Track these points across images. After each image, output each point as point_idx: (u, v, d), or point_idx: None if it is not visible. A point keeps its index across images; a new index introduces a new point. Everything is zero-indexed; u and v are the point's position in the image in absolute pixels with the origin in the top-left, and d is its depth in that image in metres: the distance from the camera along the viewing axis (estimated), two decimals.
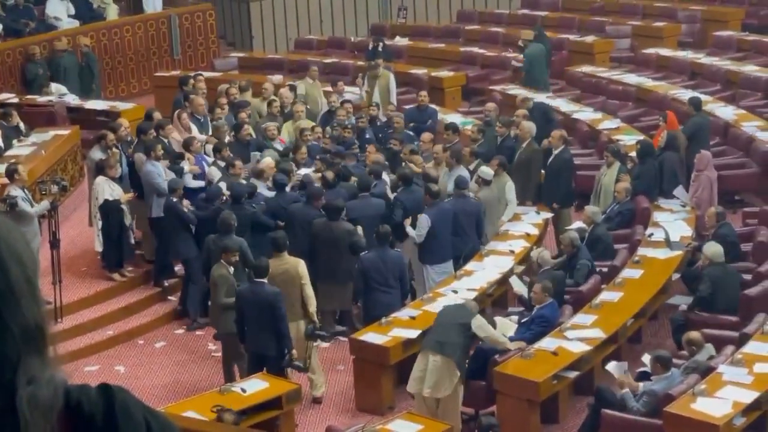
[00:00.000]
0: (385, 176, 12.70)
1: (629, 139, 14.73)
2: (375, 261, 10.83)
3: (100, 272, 12.75)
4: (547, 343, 9.79)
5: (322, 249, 11.41)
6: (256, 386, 9.37)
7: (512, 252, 12.00)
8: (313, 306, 10.38)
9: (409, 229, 11.72)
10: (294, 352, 9.88)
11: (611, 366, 9.41)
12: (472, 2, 23.68)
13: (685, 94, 16.13)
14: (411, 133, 14.42)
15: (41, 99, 17.25)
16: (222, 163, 12.77)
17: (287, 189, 12.27)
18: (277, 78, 18.08)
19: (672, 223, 12.33)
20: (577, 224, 12.31)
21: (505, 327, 10.15)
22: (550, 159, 13.25)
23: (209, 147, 13.55)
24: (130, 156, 13.10)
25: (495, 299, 11.73)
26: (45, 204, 11.67)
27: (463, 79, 18.61)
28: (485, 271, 11.57)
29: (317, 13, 22.69)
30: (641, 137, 14.51)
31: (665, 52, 19.41)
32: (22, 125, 15.17)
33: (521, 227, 12.65)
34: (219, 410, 8.57)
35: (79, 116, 16.72)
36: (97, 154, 12.98)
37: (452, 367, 9.41)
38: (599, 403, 9.21)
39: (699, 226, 12.43)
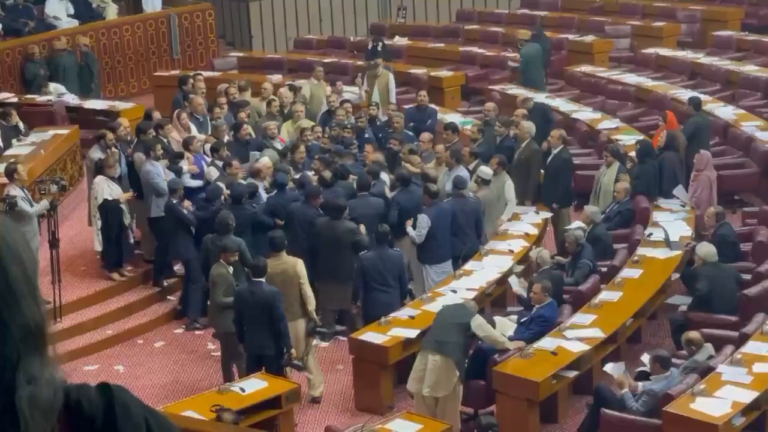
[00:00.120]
0: (383, 175, 12.71)
1: (628, 139, 14.73)
2: (374, 260, 10.83)
3: (100, 272, 12.75)
4: (547, 342, 9.79)
5: (324, 248, 11.42)
6: (255, 386, 9.36)
7: (511, 252, 12.00)
8: (312, 305, 10.39)
9: (409, 230, 11.72)
10: (293, 351, 9.88)
11: (609, 367, 9.41)
12: (471, 2, 23.68)
13: (685, 94, 16.14)
14: (411, 133, 14.41)
15: (40, 98, 17.24)
16: (220, 163, 12.77)
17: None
18: (277, 78, 18.08)
19: (671, 223, 12.33)
20: (577, 224, 12.31)
21: (505, 326, 10.15)
22: (549, 159, 13.26)
23: (208, 147, 13.56)
24: (129, 156, 13.09)
25: (494, 299, 11.73)
26: (44, 203, 11.67)
27: (462, 78, 18.61)
28: (484, 270, 11.57)
29: (317, 12, 22.70)
30: (641, 137, 14.51)
31: (665, 51, 19.41)
32: (21, 125, 15.17)
33: (520, 227, 12.65)
34: (218, 410, 8.57)
35: (79, 116, 16.72)
36: (96, 153, 12.98)
37: (451, 366, 9.41)
38: (598, 402, 9.21)
39: (698, 226, 12.43)
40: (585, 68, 18.88)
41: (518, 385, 9.35)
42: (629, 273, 11.23)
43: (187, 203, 12.07)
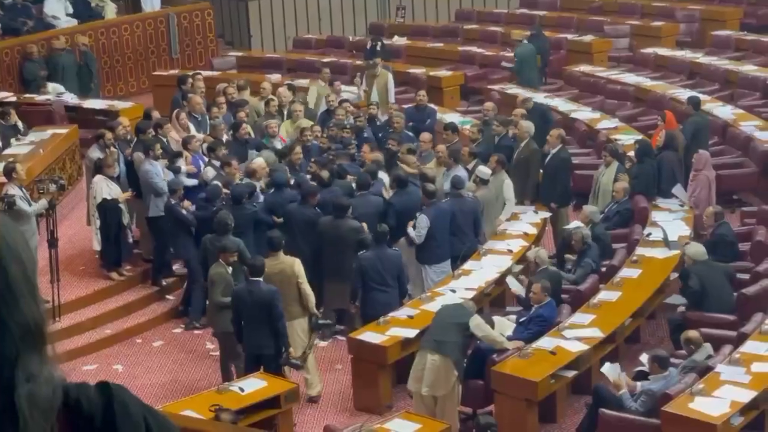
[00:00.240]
0: (381, 175, 12.70)
1: (627, 138, 14.73)
2: (373, 260, 10.84)
3: (98, 271, 12.75)
4: (545, 342, 9.79)
5: (328, 247, 11.42)
6: (254, 385, 9.36)
7: (510, 251, 12.00)
8: (312, 302, 10.40)
9: (410, 230, 11.71)
10: (291, 350, 9.88)
11: (605, 369, 9.41)
12: (470, 2, 23.68)
13: (684, 94, 16.14)
14: (411, 134, 14.40)
15: (39, 98, 17.24)
16: (217, 163, 12.77)
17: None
18: (276, 77, 18.08)
19: (670, 223, 12.34)
20: (575, 224, 12.32)
21: (504, 326, 10.16)
22: (548, 158, 13.26)
23: (206, 146, 13.55)
24: (128, 155, 13.09)
25: (493, 299, 11.73)
26: (43, 203, 11.66)
27: (461, 78, 18.62)
28: (483, 270, 11.57)
29: (316, 12, 22.70)
30: (639, 137, 14.52)
31: (664, 51, 19.42)
32: (20, 124, 15.17)
33: (519, 226, 12.65)
34: (217, 410, 8.57)
35: (78, 115, 16.72)
36: (95, 153, 12.98)
37: (450, 366, 9.42)
38: (597, 402, 9.21)
39: (697, 225, 12.43)
40: (584, 68, 18.89)
41: (517, 385, 9.35)
42: (628, 273, 11.24)
43: (186, 203, 12.07)
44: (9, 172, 11.79)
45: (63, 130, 15.44)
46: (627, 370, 9.81)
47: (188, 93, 15.36)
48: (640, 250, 11.73)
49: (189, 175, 12.77)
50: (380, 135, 14.46)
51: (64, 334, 11.12)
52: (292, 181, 12.52)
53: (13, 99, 16.95)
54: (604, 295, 10.79)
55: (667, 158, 13.28)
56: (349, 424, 9.44)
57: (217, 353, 10.85)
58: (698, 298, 10.63)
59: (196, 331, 11.97)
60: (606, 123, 15.88)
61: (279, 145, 13.91)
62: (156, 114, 14.40)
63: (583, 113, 16.50)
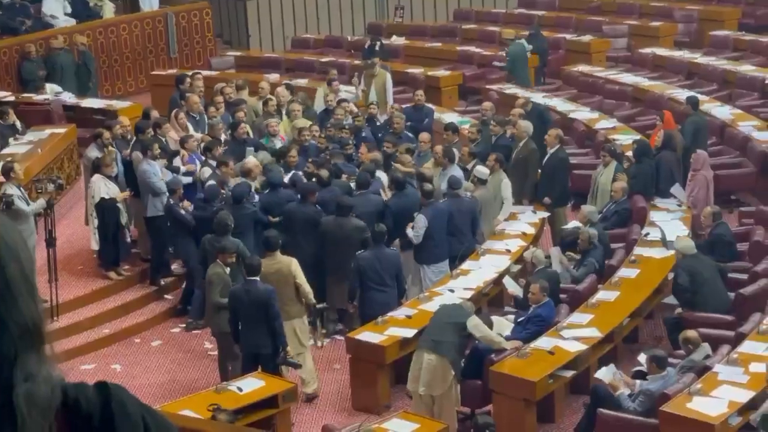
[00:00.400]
0: (380, 174, 12.69)
1: (626, 138, 14.73)
2: (371, 260, 10.84)
3: (96, 271, 12.74)
4: (544, 342, 9.79)
5: (331, 246, 11.42)
6: (252, 385, 9.36)
7: (509, 251, 12.01)
8: (311, 298, 10.40)
9: (409, 231, 11.70)
10: (288, 349, 9.88)
11: (600, 374, 9.41)
12: (468, 1, 23.69)
13: (682, 94, 16.15)
14: (411, 134, 14.38)
15: (37, 97, 17.24)
16: (213, 162, 12.77)
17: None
18: (274, 77, 18.08)
19: (668, 223, 12.34)
20: (574, 224, 12.33)
21: (502, 326, 10.16)
22: (546, 158, 13.27)
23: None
24: (127, 155, 13.08)
25: (491, 298, 11.74)
26: (41, 202, 11.66)
27: (459, 78, 18.62)
28: (481, 270, 11.57)
29: (314, 11, 22.69)
30: (638, 137, 14.52)
31: (662, 51, 19.43)
32: (18, 123, 15.17)
33: (518, 226, 12.65)
34: (214, 410, 8.57)
35: (76, 114, 16.72)
36: (93, 152, 12.98)
37: (447, 366, 9.42)
38: (595, 402, 9.21)
39: (695, 225, 12.43)
40: (582, 68, 18.89)
41: (515, 385, 9.35)
42: (626, 272, 11.24)
43: (186, 203, 12.07)
44: (7, 171, 11.79)
45: (61, 130, 15.43)
46: (625, 370, 9.82)
47: (186, 92, 15.35)
48: (638, 250, 11.73)
49: (185, 173, 12.76)
50: (380, 135, 14.46)
51: (62, 333, 11.11)
52: (286, 179, 12.52)
53: (12, 98, 16.95)
54: (603, 294, 10.79)
55: (665, 158, 13.28)
56: (348, 423, 9.44)
57: (215, 353, 10.85)
58: (688, 295, 10.64)
59: (194, 331, 11.96)
60: (604, 123, 15.89)
61: (279, 144, 13.91)
62: (155, 113, 14.39)
63: (582, 113, 16.51)
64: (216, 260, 10.55)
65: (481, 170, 12.57)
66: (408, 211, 11.80)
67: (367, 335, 10.33)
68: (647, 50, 19.41)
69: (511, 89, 17.50)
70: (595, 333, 10.05)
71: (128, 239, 12.82)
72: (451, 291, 10.99)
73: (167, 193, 12.11)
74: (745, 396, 8.75)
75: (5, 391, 1.41)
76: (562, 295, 10.98)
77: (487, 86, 18.11)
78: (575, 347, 9.76)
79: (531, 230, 12.59)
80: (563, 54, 19.91)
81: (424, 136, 14.05)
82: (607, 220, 12.64)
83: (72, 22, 20.10)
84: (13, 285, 1.45)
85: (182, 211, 11.94)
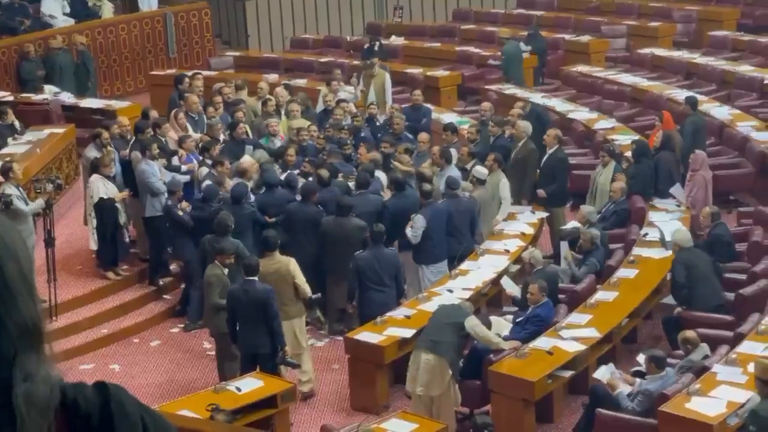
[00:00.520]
0: (379, 174, 12.69)
1: (624, 138, 14.74)
2: (369, 260, 10.84)
3: (95, 271, 12.74)
4: (542, 342, 9.80)
5: (331, 246, 11.42)
6: (250, 385, 9.36)
7: (507, 251, 12.01)
8: (307, 291, 10.40)
9: (408, 231, 11.70)
10: (287, 349, 9.88)
11: (598, 373, 9.41)
12: (468, 2, 23.69)
13: (681, 94, 16.16)
14: (410, 135, 14.38)
15: (36, 97, 17.24)
16: (210, 162, 12.77)
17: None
18: (273, 77, 18.08)
19: (667, 223, 12.34)
20: (572, 224, 12.34)
21: (501, 326, 10.16)
22: (545, 158, 13.28)
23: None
24: (126, 156, 13.08)
25: (490, 299, 11.74)
26: (40, 202, 11.66)
27: (458, 78, 18.62)
28: (480, 270, 11.57)
29: (313, 11, 22.70)
30: (636, 137, 14.53)
31: (660, 52, 19.44)
32: (17, 123, 15.17)
33: (516, 226, 12.66)
34: (212, 410, 8.57)
35: (75, 114, 16.71)
36: (92, 152, 12.98)
37: (444, 366, 9.42)
38: (594, 402, 9.22)
39: (694, 225, 12.44)
40: (581, 68, 18.90)
41: (514, 385, 9.35)
42: (625, 273, 11.24)
43: (184, 204, 12.06)
44: (6, 171, 11.78)
45: (60, 130, 15.43)
46: (624, 370, 9.82)
47: (185, 92, 15.35)
48: (637, 251, 11.74)
49: (185, 172, 12.76)
50: (379, 135, 14.46)
51: (61, 333, 11.11)
52: (282, 177, 12.52)
53: (10, 98, 16.94)
54: (601, 295, 10.79)
55: (664, 158, 13.29)
56: (346, 424, 9.44)
57: (214, 353, 10.85)
58: (685, 291, 10.64)
59: (193, 331, 11.96)
60: (603, 123, 15.89)
61: (279, 143, 13.91)
62: (154, 113, 14.40)
63: (581, 113, 16.51)
64: (214, 261, 10.54)
65: (480, 170, 12.57)
66: (407, 212, 11.79)
67: (365, 335, 10.33)
68: (646, 50, 19.42)
69: (510, 89, 17.50)
70: (593, 333, 10.05)
71: (127, 239, 12.82)
72: (450, 291, 10.99)
73: (166, 194, 12.11)
74: (743, 396, 8.74)
75: (4, 391, 1.41)
76: (560, 296, 10.98)
77: (486, 86, 18.12)
78: (574, 347, 9.76)
79: (530, 230, 12.60)
80: (562, 54, 19.92)
81: (423, 136, 14.05)
82: (606, 220, 12.65)
83: (71, 22, 20.10)
84: (11, 285, 1.45)
85: (180, 212, 11.93)
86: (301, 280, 10.41)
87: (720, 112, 15.82)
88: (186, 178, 12.67)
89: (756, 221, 12.62)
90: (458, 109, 17.64)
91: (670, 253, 11.52)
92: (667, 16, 21.32)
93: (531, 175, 13.27)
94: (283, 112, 15.07)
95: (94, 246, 12.61)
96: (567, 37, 20.40)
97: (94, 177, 12.34)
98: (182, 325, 12.10)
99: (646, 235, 12.12)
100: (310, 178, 12.52)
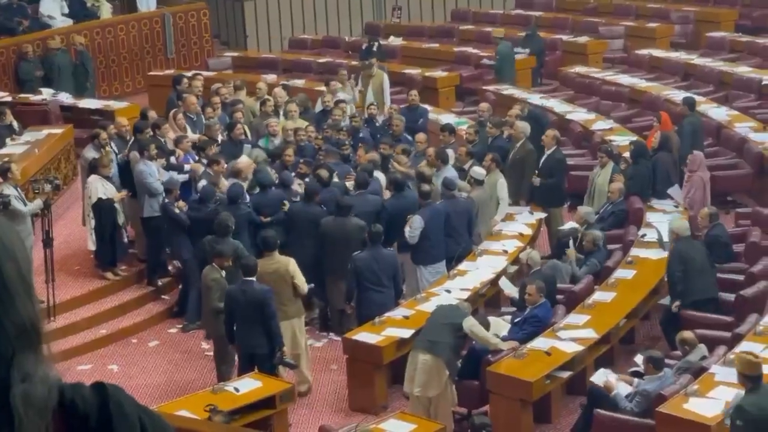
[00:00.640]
0: (377, 174, 12.69)
1: (622, 139, 14.75)
2: (368, 260, 10.84)
3: (93, 271, 12.74)
4: (540, 343, 9.80)
5: (331, 246, 11.42)
6: (249, 385, 9.36)
7: (505, 252, 12.01)
8: (304, 288, 10.40)
9: (407, 231, 11.71)
10: (285, 349, 9.88)
11: (594, 378, 9.41)
12: (466, 2, 23.70)
13: (678, 95, 16.16)
14: (409, 137, 14.37)
15: (35, 98, 17.23)
16: (205, 162, 12.77)
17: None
18: (271, 77, 18.08)
19: (665, 224, 12.33)
20: (570, 224, 12.34)
21: (499, 327, 10.17)
22: (543, 159, 13.28)
23: None
24: (125, 156, 13.08)
25: (488, 299, 11.74)
26: (38, 203, 11.65)
27: (456, 79, 18.63)
28: (478, 271, 11.57)
29: (311, 12, 22.70)
30: (634, 138, 14.54)
31: (658, 52, 19.44)
32: (15, 124, 15.16)
33: (514, 227, 12.66)
34: (210, 410, 8.57)
35: (73, 115, 16.71)
36: (90, 152, 12.98)
37: (441, 366, 9.43)
38: (592, 403, 9.22)
39: (692, 226, 12.44)
40: (579, 69, 18.91)
41: (512, 386, 9.36)
42: (623, 273, 11.25)
43: (181, 203, 12.06)
44: (4, 172, 11.78)
45: (58, 130, 15.43)
46: (621, 370, 9.83)
47: (183, 93, 15.35)
48: (634, 251, 11.75)
49: (185, 172, 12.77)
50: (378, 136, 14.45)
51: (59, 333, 11.10)
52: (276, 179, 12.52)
53: (9, 99, 16.94)
54: (599, 295, 10.80)
55: (662, 159, 13.30)
56: (345, 424, 9.45)
57: (212, 353, 10.84)
58: (681, 287, 10.64)
59: (191, 332, 11.95)
60: (601, 124, 15.90)
61: (278, 143, 13.92)
62: (153, 114, 14.39)
63: (578, 114, 16.52)
64: (212, 264, 10.51)
65: (478, 171, 12.57)
66: (406, 213, 11.80)
67: (364, 336, 10.34)
68: (644, 51, 19.43)
69: (508, 90, 17.51)
70: (591, 334, 10.06)
71: (125, 239, 12.81)
72: (448, 291, 11.00)
73: (164, 194, 12.11)
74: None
75: (2, 392, 1.41)
76: (558, 296, 10.99)
77: (484, 87, 18.12)
78: (572, 348, 9.77)
79: (528, 231, 12.60)
80: (560, 55, 19.93)
81: (421, 136, 14.05)
82: (604, 221, 12.66)
83: (69, 22, 20.09)
84: (10, 285, 1.45)
85: (177, 210, 11.93)
86: (300, 279, 10.42)
87: (718, 113, 15.83)
88: (185, 177, 12.68)
89: (754, 222, 12.63)
90: (456, 110, 17.64)
91: (667, 254, 11.53)
92: (664, 17, 21.33)
93: (529, 175, 13.27)
94: (281, 113, 15.08)
95: (92, 246, 12.61)
96: (565, 37, 20.42)
97: (93, 177, 12.34)
98: (180, 326, 12.10)
99: (644, 235, 12.13)
100: (307, 179, 12.52)
